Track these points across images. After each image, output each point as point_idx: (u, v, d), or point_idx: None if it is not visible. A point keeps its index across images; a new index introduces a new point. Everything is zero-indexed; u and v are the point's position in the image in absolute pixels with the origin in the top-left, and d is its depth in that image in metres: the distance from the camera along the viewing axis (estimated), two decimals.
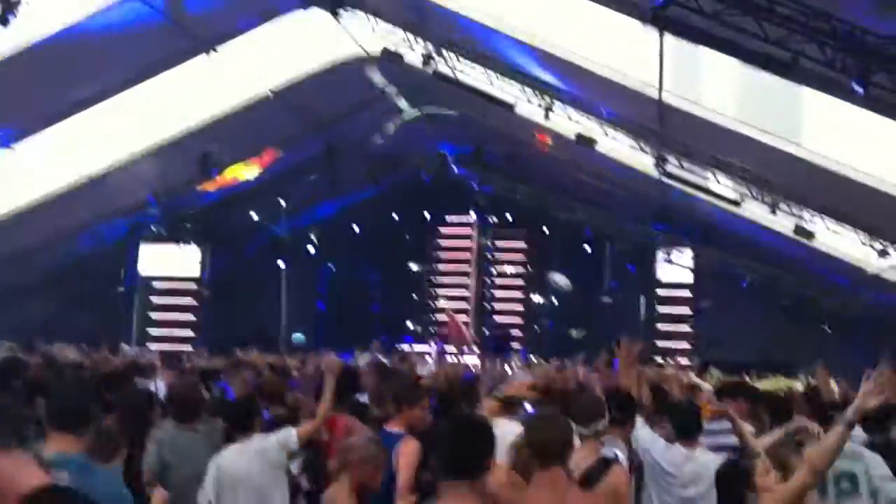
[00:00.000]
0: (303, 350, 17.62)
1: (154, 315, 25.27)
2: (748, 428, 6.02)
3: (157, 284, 25.55)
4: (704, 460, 5.77)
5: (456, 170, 23.01)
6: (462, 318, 24.15)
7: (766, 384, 13.53)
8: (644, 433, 6.05)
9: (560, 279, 25.36)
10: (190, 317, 25.49)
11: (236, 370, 10.53)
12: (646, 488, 6.09)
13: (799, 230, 17.61)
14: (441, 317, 26.61)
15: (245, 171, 20.24)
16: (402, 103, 20.67)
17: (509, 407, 6.59)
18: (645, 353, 9.89)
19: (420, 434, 5.59)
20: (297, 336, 20.69)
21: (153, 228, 24.51)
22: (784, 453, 4.42)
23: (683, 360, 22.28)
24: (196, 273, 25.63)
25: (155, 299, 25.38)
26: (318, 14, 15.39)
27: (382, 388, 7.52)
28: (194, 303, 25.67)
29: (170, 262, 25.30)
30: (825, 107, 13.96)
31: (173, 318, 25.21)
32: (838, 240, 18.07)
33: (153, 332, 24.52)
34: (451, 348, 22.93)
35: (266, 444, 5.77)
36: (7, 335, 16.11)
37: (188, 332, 24.93)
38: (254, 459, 5.66)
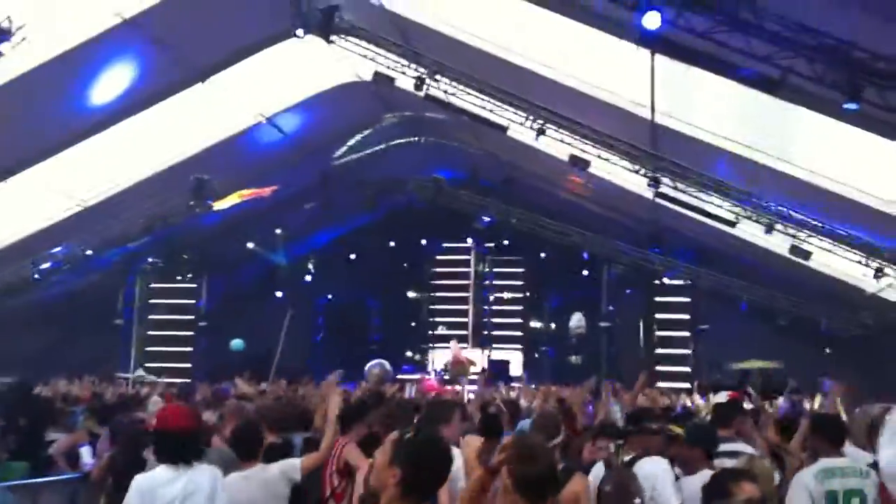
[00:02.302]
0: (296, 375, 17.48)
1: (151, 346, 25.21)
2: None
3: (153, 315, 25.54)
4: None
5: (451, 195, 23.01)
6: (461, 346, 23.96)
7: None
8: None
9: (575, 323, 25.15)
10: (187, 347, 25.45)
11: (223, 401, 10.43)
12: None
13: (795, 250, 17.54)
14: (440, 345, 26.53)
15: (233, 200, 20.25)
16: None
17: None
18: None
19: None
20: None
21: (150, 260, 24.52)
22: None
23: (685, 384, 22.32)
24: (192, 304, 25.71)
25: (152, 331, 25.35)
26: (310, 40, 15.43)
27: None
28: (191, 333, 25.65)
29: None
30: (818, 125, 13.94)
31: (170, 349, 25.15)
32: (835, 259, 17.99)
33: (150, 363, 24.40)
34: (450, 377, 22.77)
35: (268, 474, 5.63)
36: (2, 369, 16.03)
37: (185, 363, 24.87)
38: (257, 490, 5.52)
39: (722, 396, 10.25)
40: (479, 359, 24.42)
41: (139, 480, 4.73)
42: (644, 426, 6.11)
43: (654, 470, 5.61)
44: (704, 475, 5.66)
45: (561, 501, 4.63)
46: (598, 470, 5.79)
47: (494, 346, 27.20)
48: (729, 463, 6.00)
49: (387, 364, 11.97)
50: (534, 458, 3.83)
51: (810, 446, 6.10)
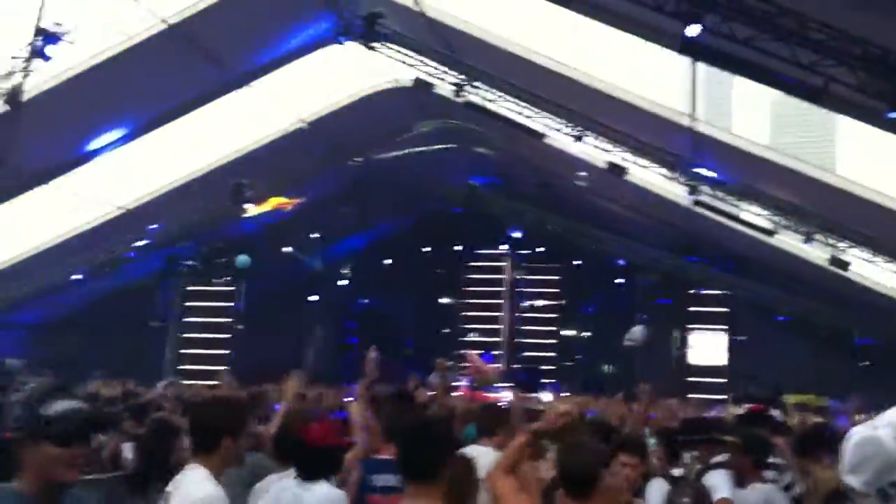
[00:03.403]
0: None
1: (187, 348, 25.47)
2: None
3: (191, 318, 25.82)
4: None
5: (486, 201, 23.05)
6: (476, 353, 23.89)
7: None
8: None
9: (633, 335, 24.62)
10: (223, 350, 25.68)
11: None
12: None
13: (834, 261, 17.37)
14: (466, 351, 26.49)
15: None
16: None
17: None
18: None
19: None
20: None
21: (188, 262, 24.73)
22: None
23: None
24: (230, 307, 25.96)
25: (189, 333, 25.62)
26: (350, 46, 15.57)
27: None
28: (228, 336, 25.88)
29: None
30: (860, 134, 13.86)
31: (207, 352, 25.36)
32: (875, 271, 17.81)
33: (187, 366, 24.60)
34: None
35: None
36: (40, 369, 16.21)
37: (221, 366, 25.03)
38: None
39: (740, 409, 10.13)
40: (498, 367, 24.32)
41: (277, 483, 4.99)
42: (711, 436, 5.95)
43: (716, 483, 5.44)
44: (757, 489, 5.58)
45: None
46: (659, 484, 5.56)
47: (526, 353, 27.17)
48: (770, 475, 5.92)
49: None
50: (581, 452, 3.90)
51: None
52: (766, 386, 20.14)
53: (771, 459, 6.18)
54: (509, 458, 4.18)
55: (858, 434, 1.95)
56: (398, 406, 7.23)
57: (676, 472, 6.11)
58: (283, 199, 20.74)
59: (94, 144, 17.39)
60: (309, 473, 4.82)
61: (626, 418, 10.09)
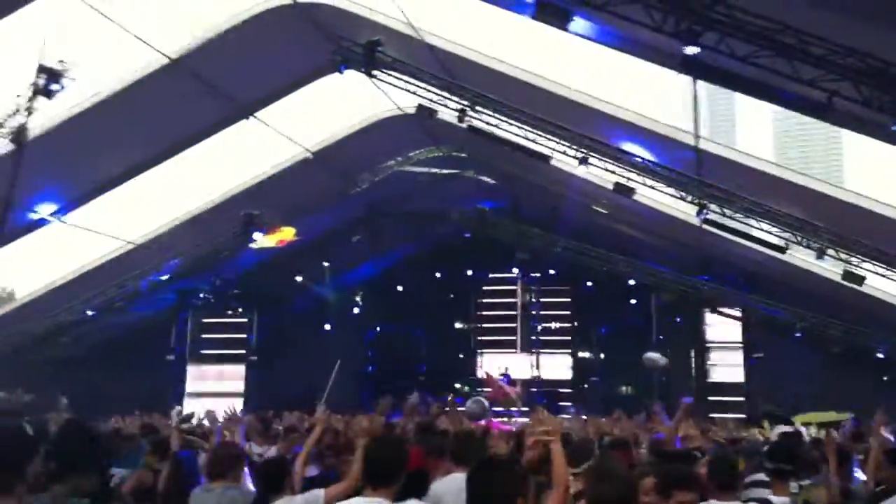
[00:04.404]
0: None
1: (203, 381, 25.46)
2: None
3: (205, 350, 25.82)
4: None
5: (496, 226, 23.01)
6: (498, 376, 23.76)
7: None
8: None
9: (654, 358, 24.27)
10: (238, 382, 25.65)
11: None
12: None
13: (848, 275, 17.15)
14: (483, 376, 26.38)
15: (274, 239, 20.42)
16: None
17: None
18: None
19: None
20: None
21: (201, 295, 24.78)
22: None
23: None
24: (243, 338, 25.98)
25: (204, 365, 25.62)
26: (354, 75, 15.61)
27: None
28: (243, 367, 25.87)
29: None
30: (867, 148, 13.75)
31: (221, 384, 25.35)
32: (889, 284, 17.58)
33: (201, 398, 24.56)
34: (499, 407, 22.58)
35: None
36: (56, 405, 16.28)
37: (237, 398, 25.01)
38: None
39: (781, 429, 9.90)
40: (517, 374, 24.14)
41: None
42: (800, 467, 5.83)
43: None
44: None
45: None
46: None
47: (542, 376, 27.00)
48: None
49: (485, 402, 12.26)
50: (611, 479, 3.83)
51: (886, 477, 5.97)
52: (786, 405, 19.91)
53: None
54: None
55: None
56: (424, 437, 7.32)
57: (777, 500, 5.72)
58: (287, 233, 20.72)
59: (103, 180, 17.50)
60: (400, 494, 4.93)
61: (641, 437, 9.95)
